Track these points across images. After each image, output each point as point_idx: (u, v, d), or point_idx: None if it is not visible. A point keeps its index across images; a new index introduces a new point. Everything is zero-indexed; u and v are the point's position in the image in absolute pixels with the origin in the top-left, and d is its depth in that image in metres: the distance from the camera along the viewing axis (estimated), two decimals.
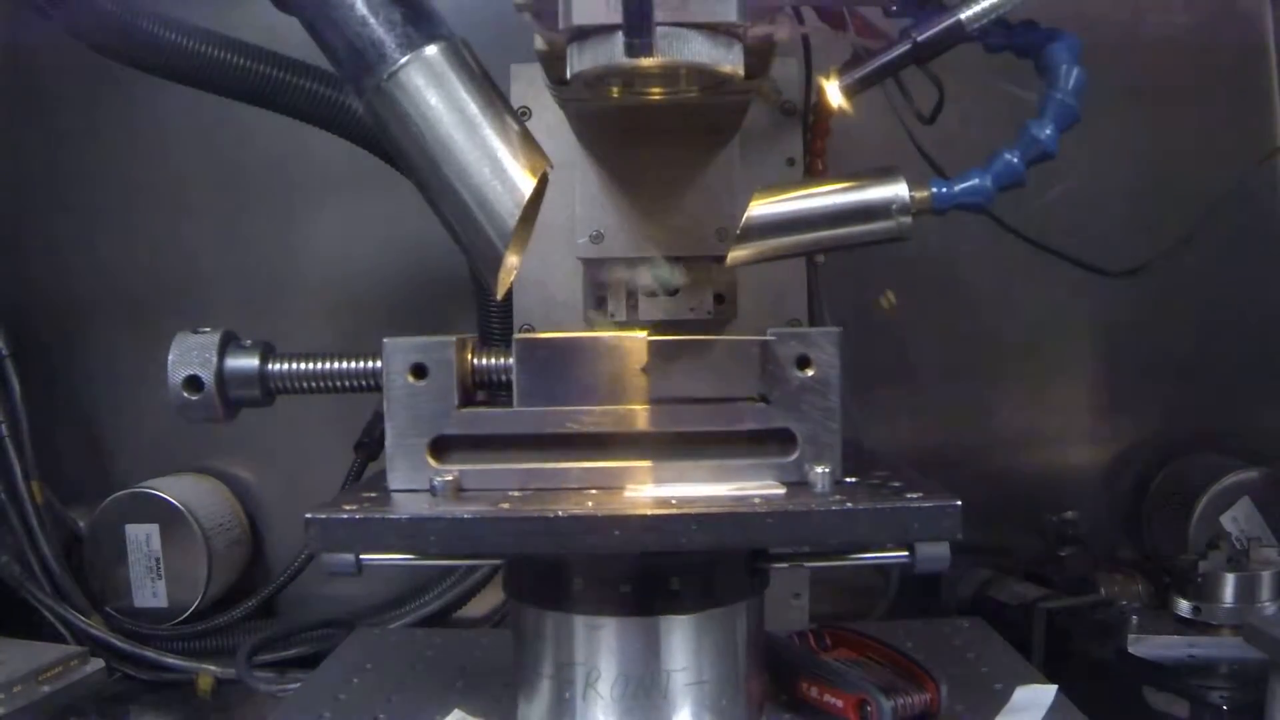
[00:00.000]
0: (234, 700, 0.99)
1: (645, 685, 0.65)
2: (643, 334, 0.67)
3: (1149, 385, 1.19)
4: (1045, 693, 0.71)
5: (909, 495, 0.62)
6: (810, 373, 0.65)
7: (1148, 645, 0.88)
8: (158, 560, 1.08)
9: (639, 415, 0.66)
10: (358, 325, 1.16)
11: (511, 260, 0.67)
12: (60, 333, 1.18)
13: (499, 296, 0.71)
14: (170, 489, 1.09)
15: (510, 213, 0.62)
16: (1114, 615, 0.94)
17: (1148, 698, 0.89)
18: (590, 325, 0.88)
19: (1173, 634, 0.88)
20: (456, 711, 0.71)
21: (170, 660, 1.03)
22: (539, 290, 0.95)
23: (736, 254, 0.69)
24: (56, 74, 1.17)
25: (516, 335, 0.66)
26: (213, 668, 1.01)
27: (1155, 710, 0.88)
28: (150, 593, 1.08)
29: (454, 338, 0.66)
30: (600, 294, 0.88)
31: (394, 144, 0.65)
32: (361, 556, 0.66)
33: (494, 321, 1.01)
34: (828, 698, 0.69)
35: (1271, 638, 0.77)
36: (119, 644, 1.02)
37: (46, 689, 0.93)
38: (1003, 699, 0.72)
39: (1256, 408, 1.17)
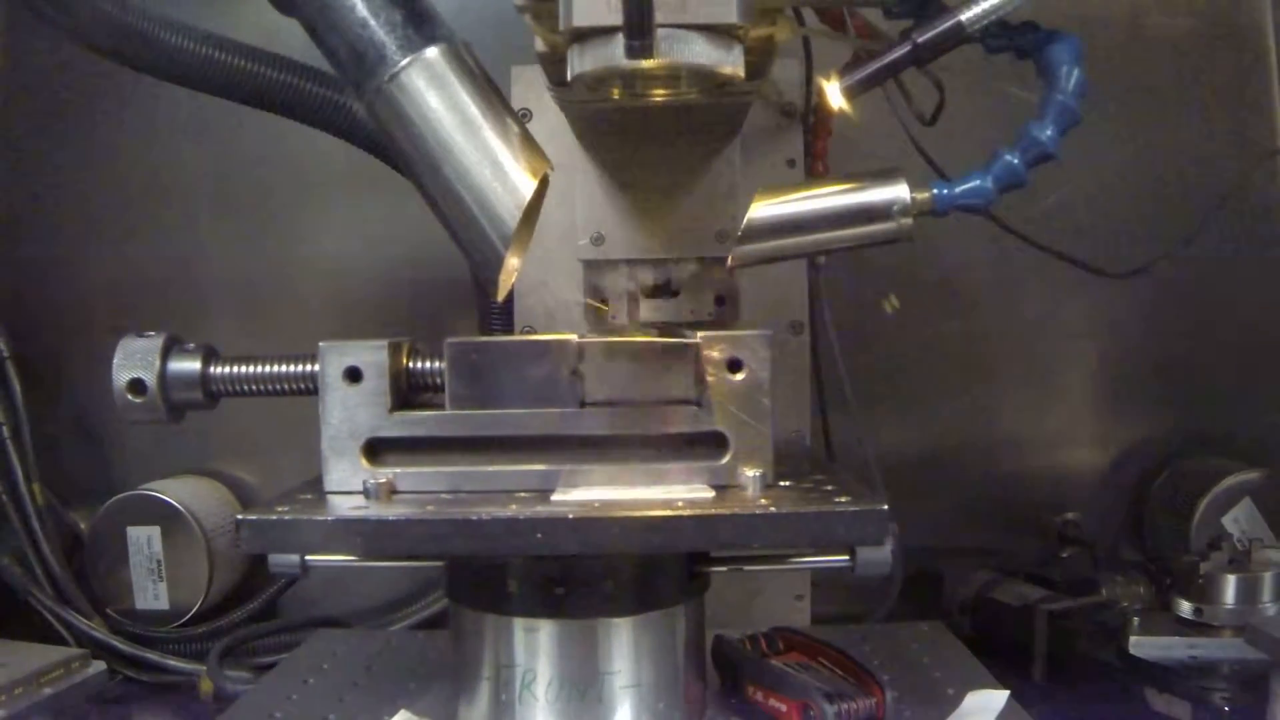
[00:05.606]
0: None
1: (581, 688, 0.66)
2: (573, 336, 0.67)
3: (1150, 386, 1.19)
4: (997, 698, 0.71)
5: (837, 499, 0.62)
6: (741, 376, 0.65)
7: (1149, 646, 0.88)
8: (159, 562, 1.08)
9: (571, 418, 0.66)
10: (357, 329, 1.15)
11: (512, 262, 0.67)
12: (61, 334, 1.18)
13: (499, 298, 0.71)
14: (172, 491, 1.09)
15: (511, 214, 0.63)
16: (1115, 616, 0.94)
17: (1149, 699, 0.89)
18: (591, 327, 0.89)
19: (1174, 635, 0.88)
20: (403, 712, 0.71)
21: (172, 663, 1.03)
22: (540, 292, 0.95)
23: (738, 255, 0.69)
24: (56, 76, 1.17)
25: (448, 339, 0.67)
26: None
27: (1156, 712, 0.88)
28: (152, 595, 1.08)
29: (387, 341, 0.67)
30: (600, 296, 0.89)
31: (395, 146, 0.65)
32: (307, 558, 0.68)
33: (494, 323, 1.01)
34: (772, 701, 0.69)
35: (1273, 639, 0.77)
36: (120, 646, 1.02)
37: (48, 691, 0.92)
38: (954, 703, 0.71)
39: (1258, 409, 1.17)
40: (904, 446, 1.16)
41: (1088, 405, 1.21)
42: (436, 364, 0.68)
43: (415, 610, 1.08)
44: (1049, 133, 0.66)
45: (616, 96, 0.68)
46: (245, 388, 0.70)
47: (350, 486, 0.66)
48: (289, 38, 0.76)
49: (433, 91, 0.63)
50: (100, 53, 0.93)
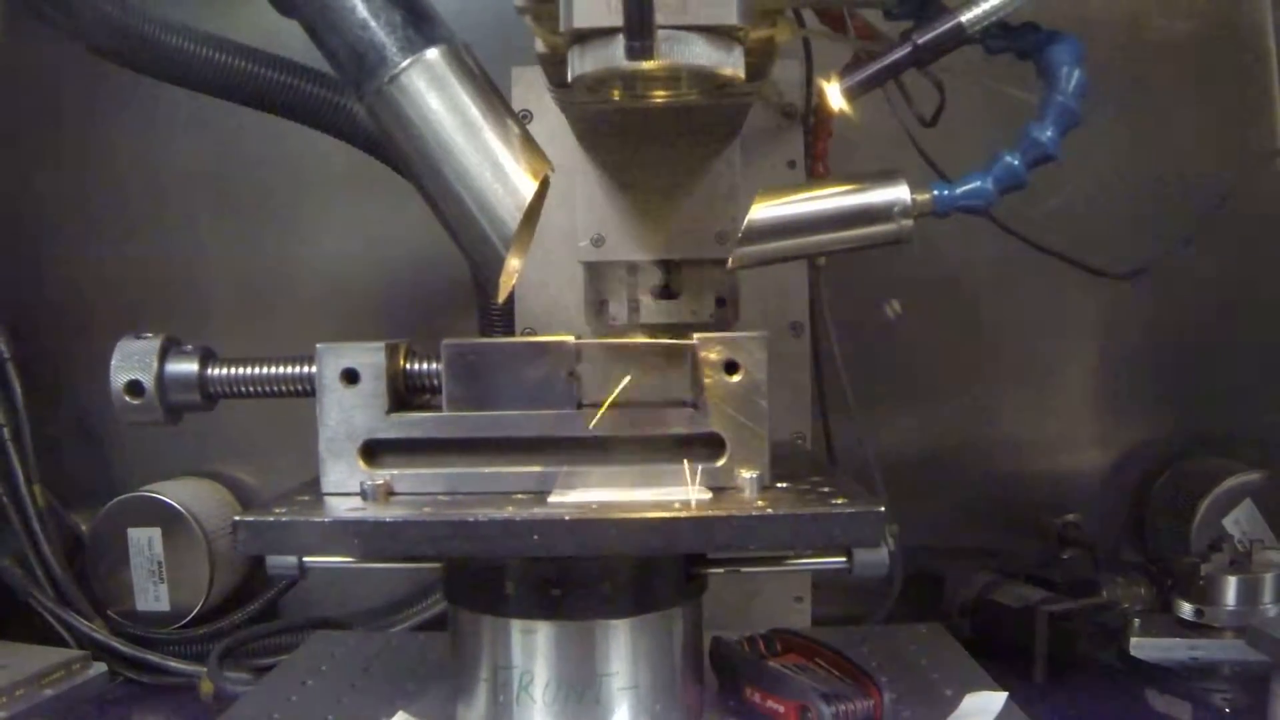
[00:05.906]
0: None
1: (578, 690, 0.65)
2: (570, 338, 0.67)
3: (1151, 387, 1.19)
4: (995, 699, 0.71)
5: (834, 501, 0.62)
6: (738, 378, 0.65)
7: (1150, 648, 0.88)
8: (160, 564, 1.08)
9: (568, 420, 0.66)
10: (357, 330, 1.15)
11: (513, 263, 0.67)
12: (62, 335, 1.18)
13: (500, 300, 0.71)
14: (172, 492, 1.09)
15: (512, 216, 0.63)
16: (1116, 618, 0.94)
17: (1150, 700, 0.89)
18: (591, 329, 0.89)
19: (1175, 637, 0.88)
20: (401, 714, 0.71)
21: (172, 664, 1.03)
22: (540, 293, 0.95)
23: (738, 257, 0.69)
24: (56, 76, 1.17)
25: (444, 341, 0.67)
26: None
27: (1157, 713, 0.88)
28: (152, 596, 1.08)
29: (384, 343, 0.67)
30: (601, 297, 0.88)
31: (395, 147, 0.65)
32: (305, 560, 0.68)
33: (496, 325, 1.01)
34: (770, 703, 0.69)
35: (1273, 640, 0.77)
36: (121, 648, 1.02)
37: (49, 693, 0.93)
38: (952, 705, 0.71)
39: (1258, 409, 1.17)
40: (904, 447, 1.16)
41: (1088, 406, 1.21)
42: (433, 365, 0.68)
43: (415, 612, 1.08)
44: (1049, 134, 0.66)
45: (617, 98, 0.68)
46: (242, 389, 0.71)
47: (348, 488, 0.66)
48: (289, 39, 0.76)
49: (433, 93, 0.63)
50: (101, 54, 0.93)
